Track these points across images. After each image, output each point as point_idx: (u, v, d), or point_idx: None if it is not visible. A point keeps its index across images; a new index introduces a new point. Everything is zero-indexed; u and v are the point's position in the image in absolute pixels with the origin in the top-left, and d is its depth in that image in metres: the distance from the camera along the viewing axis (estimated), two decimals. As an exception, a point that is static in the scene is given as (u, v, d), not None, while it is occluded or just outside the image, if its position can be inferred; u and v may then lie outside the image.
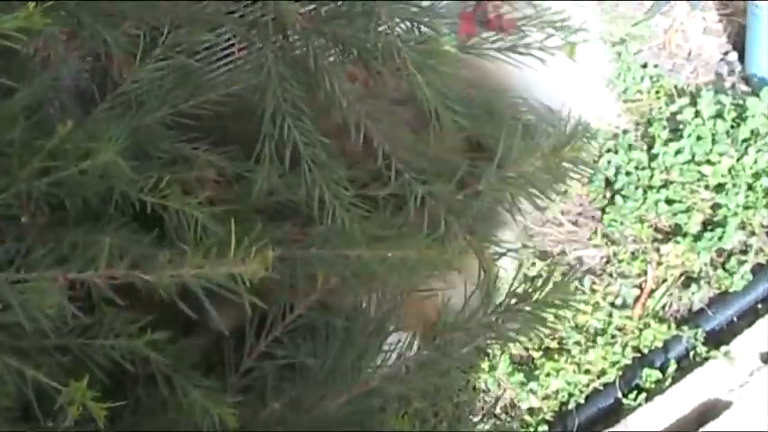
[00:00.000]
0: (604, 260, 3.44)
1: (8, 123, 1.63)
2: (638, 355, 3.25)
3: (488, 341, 2.25)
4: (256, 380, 1.81)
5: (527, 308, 1.91)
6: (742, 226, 3.39)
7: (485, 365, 3.16)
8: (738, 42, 3.88)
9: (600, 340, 3.25)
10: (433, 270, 1.67)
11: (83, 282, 1.54)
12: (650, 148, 3.59)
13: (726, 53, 3.93)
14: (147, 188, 1.74)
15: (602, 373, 3.22)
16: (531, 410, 3.16)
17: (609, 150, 3.61)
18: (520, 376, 3.18)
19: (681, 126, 3.60)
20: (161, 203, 1.73)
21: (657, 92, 3.77)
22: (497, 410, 3.14)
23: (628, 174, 3.53)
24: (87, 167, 1.58)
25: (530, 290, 1.91)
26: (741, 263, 3.32)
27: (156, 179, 1.74)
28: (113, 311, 1.63)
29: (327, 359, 1.80)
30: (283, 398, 1.79)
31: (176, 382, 1.71)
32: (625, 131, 3.68)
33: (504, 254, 1.94)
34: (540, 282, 1.91)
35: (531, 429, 3.12)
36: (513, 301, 1.88)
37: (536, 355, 3.24)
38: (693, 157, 3.51)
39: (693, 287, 3.32)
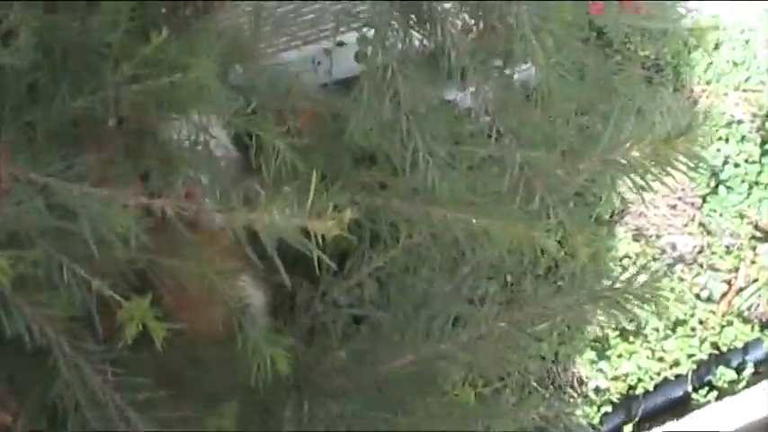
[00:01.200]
0: (697, 249, 3.34)
1: (112, 23, 1.59)
2: (716, 351, 3.16)
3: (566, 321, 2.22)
4: (324, 327, 1.78)
5: (613, 294, 1.84)
6: None
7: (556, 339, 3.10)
8: None
9: (679, 330, 3.17)
10: (515, 246, 1.60)
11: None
12: (764, 142, 3.45)
13: None
14: (236, 111, 1.68)
15: (676, 363, 3.15)
16: (597, 389, 3.10)
17: (720, 139, 3.48)
18: (592, 354, 3.12)
19: (800, 126, 3.46)
20: (247, 129, 1.68)
21: (781, 85, 3.63)
22: (562, 384, 3.08)
23: (736, 165, 3.41)
24: (179, 80, 1.54)
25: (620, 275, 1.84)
26: (837, 275, 3.20)
27: (246, 103, 1.69)
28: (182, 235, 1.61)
29: (400, 317, 1.76)
30: (350, 348, 1.77)
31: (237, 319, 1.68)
32: (740, 122, 3.54)
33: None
34: (632, 269, 1.84)
35: (595, 408, 3.06)
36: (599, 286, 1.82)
37: (611, 334, 3.17)
38: (809, 160, 3.38)
39: (784, 292, 3.21)
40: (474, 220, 1.52)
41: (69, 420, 1.74)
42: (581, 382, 3.11)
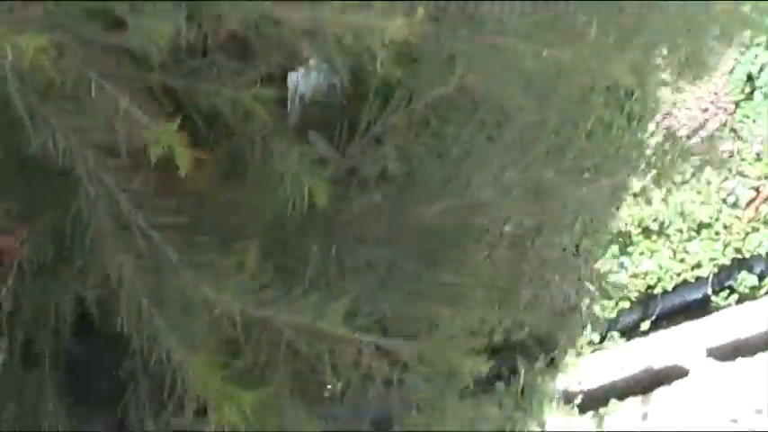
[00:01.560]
0: (726, 154, 3.26)
1: None
2: (739, 256, 3.10)
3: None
4: (362, 165, 1.70)
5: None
6: None
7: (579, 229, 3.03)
8: None
9: (703, 233, 3.11)
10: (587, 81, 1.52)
11: (199, 24, 1.44)
12: (804, 51, 3.36)
13: None
14: None
15: (698, 265, 3.09)
16: (616, 285, 3.04)
17: (758, 45, 3.38)
18: (614, 248, 3.06)
19: None
20: None
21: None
22: (582, 277, 3.03)
23: (774, 72, 3.32)
24: None
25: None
26: None
27: None
28: (225, 59, 1.53)
29: (441, 163, 1.68)
30: (386, 192, 1.69)
31: (273, 144, 1.60)
32: (782, 29, 3.43)
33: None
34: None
35: (613, 302, 3.01)
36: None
37: (634, 232, 3.11)
38: None
39: (813, 202, 3.15)
40: (545, 52, 1.43)
41: (76, 247, 1.68)
42: (600, 277, 3.05)
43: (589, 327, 2.96)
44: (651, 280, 3.08)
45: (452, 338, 1.50)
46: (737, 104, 3.32)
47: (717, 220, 3.14)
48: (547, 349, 2.93)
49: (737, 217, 3.16)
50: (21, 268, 1.70)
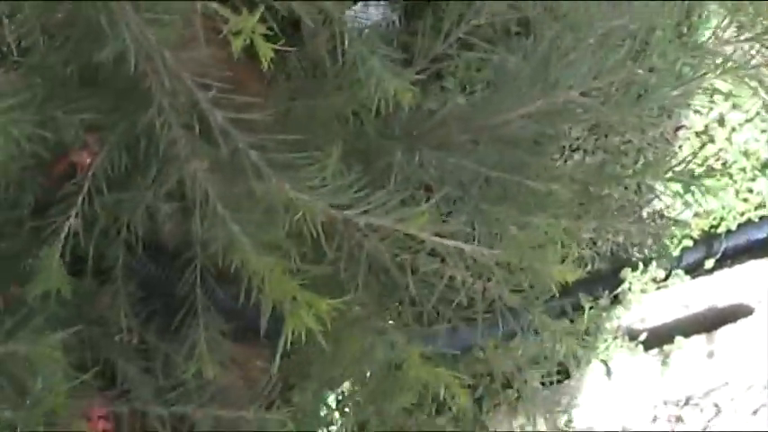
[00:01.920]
0: (791, 93, 3.19)
1: None
2: (805, 196, 3.06)
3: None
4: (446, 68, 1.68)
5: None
6: None
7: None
8: None
9: (768, 172, 3.06)
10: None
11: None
12: None
13: None
14: None
15: (761, 205, 3.05)
16: (678, 223, 3.00)
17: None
18: (677, 186, 3.01)
19: None
20: None
21: None
22: (645, 215, 2.99)
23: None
24: None
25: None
26: None
27: None
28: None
29: (527, 64, 1.65)
30: (471, 97, 1.67)
31: (355, 47, 1.57)
32: None
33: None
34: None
35: (675, 241, 2.98)
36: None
37: (697, 171, 3.05)
38: None
39: None
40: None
41: (150, 158, 1.67)
42: (662, 216, 3.02)
43: (653, 264, 2.93)
44: (715, 219, 3.04)
45: (540, 246, 1.48)
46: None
47: (782, 158, 3.10)
48: (611, 286, 2.90)
49: (805, 154, 3.11)
50: (94, 181, 1.70)
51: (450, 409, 2.71)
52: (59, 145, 1.66)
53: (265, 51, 1.33)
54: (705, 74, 1.68)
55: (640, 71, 1.65)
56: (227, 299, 1.96)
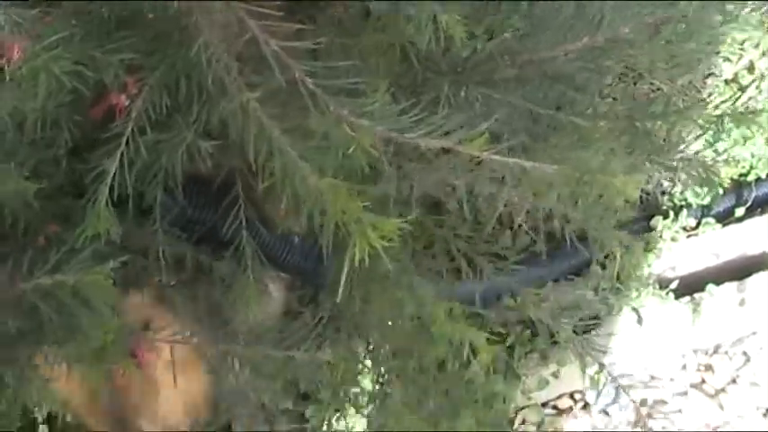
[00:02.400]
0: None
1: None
2: (833, 144, 3.04)
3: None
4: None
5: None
6: None
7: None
8: None
9: (798, 119, 3.03)
10: None
11: None
12: None
13: None
14: None
15: (792, 152, 3.03)
16: (709, 170, 2.98)
17: None
18: (707, 135, 2.99)
19: None
20: None
21: None
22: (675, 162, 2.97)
23: None
24: None
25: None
26: None
27: None
28: None
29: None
30: (517, 32, 1.66)
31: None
32: None
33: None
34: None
35: (707, 189, 2.96)
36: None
37: (727, 118, 3.03)
38: None
39: None
40: None
41: (195, 102, 1.66)
42: (689, 160, 2.99)
43: (684, 212, 2.92)
44: (744, 168, 3.02)
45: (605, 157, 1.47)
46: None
47: (814, 107, 3.07)
48: (641, 233, 2.89)
49: (833, 105, 3.09)
50: (137, 123, 1.69)
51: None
52: (98, 86, 1.65)
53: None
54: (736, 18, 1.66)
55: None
56: (271, 239, 1.96)
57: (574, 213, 1.69)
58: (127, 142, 1.62)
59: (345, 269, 1.33)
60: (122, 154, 1.61)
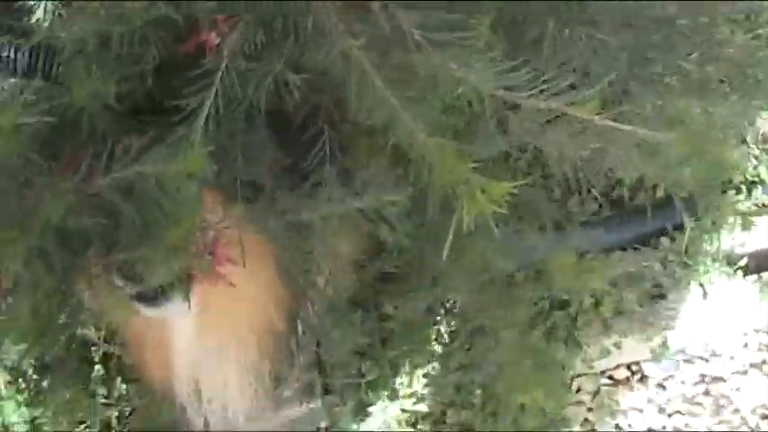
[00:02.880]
0: None
1: None
2: None
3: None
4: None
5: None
6: None
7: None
8: None
9: None
10: None
11: None
12: None
13: None
14: None
15: None
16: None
17: None
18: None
19: None
20: None
21: None
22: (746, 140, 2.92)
23: None
24: None
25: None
26: None
27: None
28: None
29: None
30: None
31: None
32: None
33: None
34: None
35: None
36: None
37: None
38: None
39: None
40: None
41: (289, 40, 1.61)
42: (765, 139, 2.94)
43: (759, 189, 2.85)
44: (822, 145, 2.95)
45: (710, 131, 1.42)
46: None
47: None
48: (712, 208, 2.83)
49: None
50: (231, 59, 1.65)
51: (544, 321, 2.67)
52: (190, 21, 1.61)
53: None
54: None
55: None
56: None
57: (677, 178, 1.63)
58: (221, 78, 1.58)
59: (451, 231, 1.28)
60: (216, 91, 1.56)
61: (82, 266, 1.56)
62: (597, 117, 1.32)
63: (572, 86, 1.34)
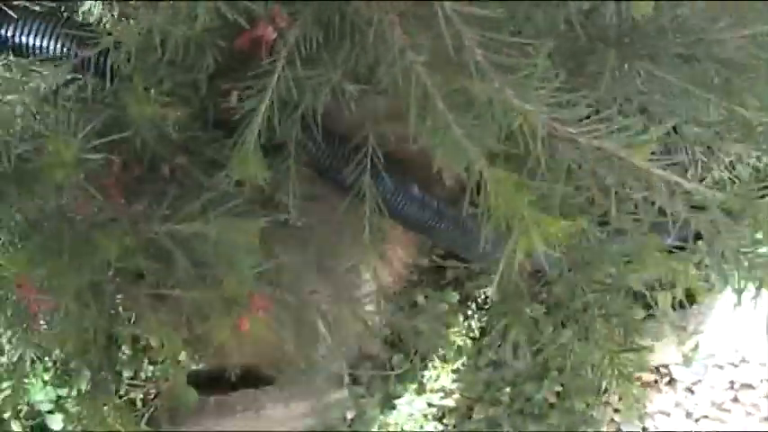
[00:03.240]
0: None
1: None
2: None
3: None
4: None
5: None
6: None
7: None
8: None
9: None
10: None
11: None
12: None
13: None
14: None
15: None
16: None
17: None
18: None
19: None
20: None
21: None
22: None
23: None
24: None
25: None
26: None
27: None
28: None
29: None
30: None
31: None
32: None
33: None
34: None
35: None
36: None
37: None
38: None
39: None
40: None
41: (347, 43, 1.58)
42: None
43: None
44: None
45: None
46: None
47: None
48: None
49: None
50: (288, 61, 1.63)
51: (576, 321, 2.65)
52: (247, 16, 1.58)
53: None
54: None
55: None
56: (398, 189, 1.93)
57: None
58: (278, 80, 1.55)
59: (502, 265, 1.26)
60: (272, 92, 1.54)
61: (131, 297, 1.56)
62: (649, 164, 1.30)
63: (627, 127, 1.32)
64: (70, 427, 2.58)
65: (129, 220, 1.44)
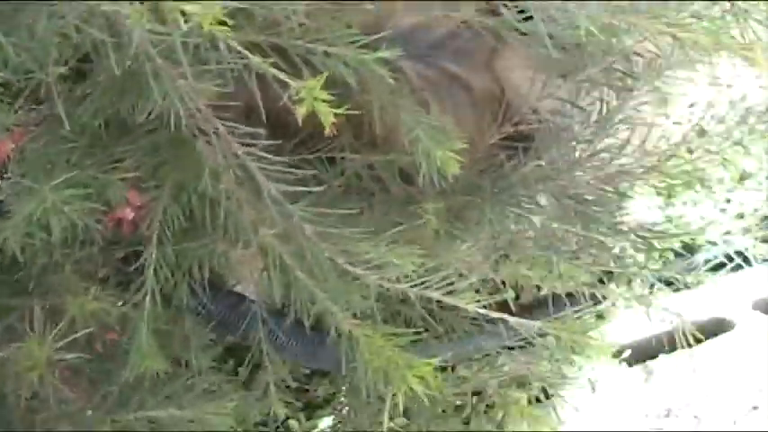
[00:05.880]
0: None
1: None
2: (783, 207, 3.08)
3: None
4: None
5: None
6: None
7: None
8: None
9: (746, 183, 3.08)
10: None
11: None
12: None
13: None
14: None
15: (740, 216, 3.07)
16: (660, 235, 2.99)
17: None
18: (658, 200, 3.02)
19: None
20: None
21: None
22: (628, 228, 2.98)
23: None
24: None
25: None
26: None
27: None
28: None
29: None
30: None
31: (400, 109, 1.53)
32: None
33: None
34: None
35: (658, 254, 2.97)
36: None
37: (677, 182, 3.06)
38: None
39: None
40: None
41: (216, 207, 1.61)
42: (644, 229, 3.01)
43: (637, 279, 2.91)
44: (694, 231, 3.03)
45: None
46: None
47: (760, 170, 3.11)
48: (595, 301, 2.88)
49: (781, 167, 3.13)
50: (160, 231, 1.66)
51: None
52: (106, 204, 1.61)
53: (328, 118, 1.26)
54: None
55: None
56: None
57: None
58: (152, 255, 1.60)
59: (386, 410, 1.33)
60: (154, 266, 1.60)
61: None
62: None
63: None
64: None
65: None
